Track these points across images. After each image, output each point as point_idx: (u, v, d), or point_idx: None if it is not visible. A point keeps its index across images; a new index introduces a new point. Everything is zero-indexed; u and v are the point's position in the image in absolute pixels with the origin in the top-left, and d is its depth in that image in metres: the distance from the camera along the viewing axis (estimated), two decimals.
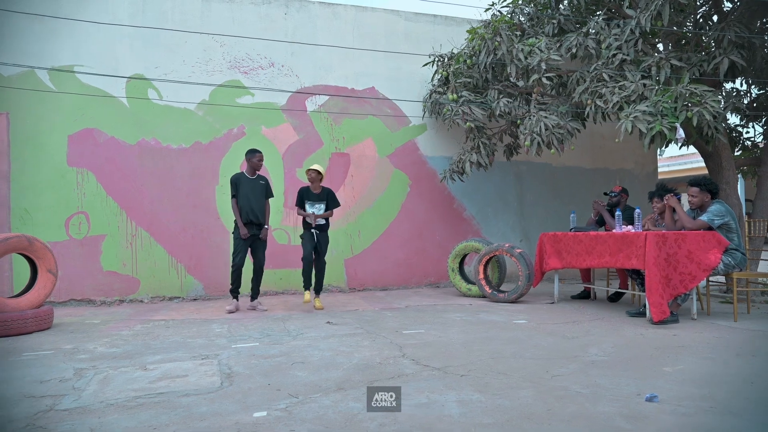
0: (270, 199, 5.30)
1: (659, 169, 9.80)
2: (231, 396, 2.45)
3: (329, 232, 5.28)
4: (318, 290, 5.24)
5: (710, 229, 4.29)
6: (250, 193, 5.06)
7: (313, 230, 5.04)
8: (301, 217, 5.21)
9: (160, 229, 5.98)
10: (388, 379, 2.68)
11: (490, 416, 2.16)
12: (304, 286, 5.05)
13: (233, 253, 5.08)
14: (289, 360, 3.11)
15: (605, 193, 5.91)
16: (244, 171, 5.21)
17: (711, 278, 4.88)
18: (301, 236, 5.11)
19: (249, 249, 5.13)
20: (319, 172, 5.09)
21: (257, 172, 5.20)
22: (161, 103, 6.07)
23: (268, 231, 5.18)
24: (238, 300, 5.18)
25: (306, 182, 5.38)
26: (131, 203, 5.92)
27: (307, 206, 5.09)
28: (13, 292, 5.26)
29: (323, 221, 5.13)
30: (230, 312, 5.01)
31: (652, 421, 2.09)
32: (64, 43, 5.78)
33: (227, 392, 2.51)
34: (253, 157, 5.14)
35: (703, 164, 6.43)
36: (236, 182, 5.10)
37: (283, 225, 6.39)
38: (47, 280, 4.40)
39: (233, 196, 5.09)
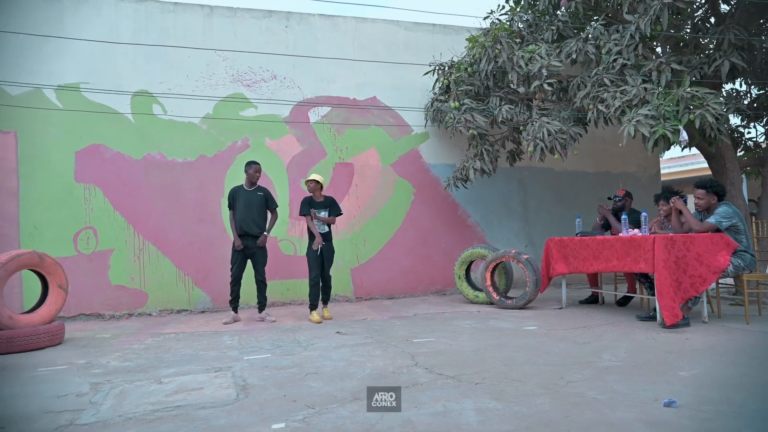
0: (277, 209, 5.32)
1: (662, 171, 9.81)
2: (248, 408, 2.45)
3: (333, 242, 5.29)
4: (326, 301, 5.26)
5: (718, 231, 4.30)
6: (247, 205, 5.08)
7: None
8: (306, 227, 5.21)
9: (167, 243, 6.01)
10: (403, 389, 2.68)
11: (509, 423, 2.17)
12: (311, 306, 5.05)
13: (231, 265, 5.11)
14: (303, 371, 3.12)
15: (609, 198, 5.93)
16: (243, 183, 5.25)
17: (720, 280, 4.88)
18: (307, 252, 5.09)
19: (249, 261, 5.15)
20: (318, 182, 5.11)
21: (257, 184, 5.23)
22: (166, 117, 6.12)
23: (266, 238, 5.14)
24: (236, 312, 5.18)
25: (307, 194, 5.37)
26: (138, 217, 5.95)
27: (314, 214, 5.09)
28: (23, 308, 5.27)
29: (327, 228, 5.14)
30: (226, 323, 5.01)
31: (673, 426, 2.09)
32: (69, 61, 5.85)
33: (244, 404, 2.51)
34: (249, 168, 5.17)
35: (705, 165, 6.46)
36: (233, 195, 5.15)
37: (289, 236, 6.41)
38: (58, 296, 4.42)
39: (230, 208, 5.15)
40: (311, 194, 5.15)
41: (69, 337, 4.50)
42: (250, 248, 5.09)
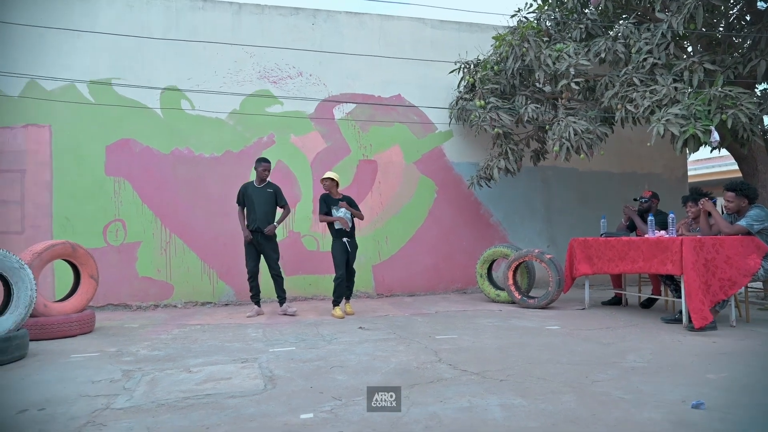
0: (295, 205, 5.37)
1: (688, 173, 9.60)
2: (276, 398, 2.51)
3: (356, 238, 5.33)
4: (348, 296, 5.30)
5: (748, 234, 4.21)
6: (256, 202, 5.16)
7: (344, 239, 5.09)
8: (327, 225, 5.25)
9: (193, 236, 6.13)
10: (428, 384, 2.71)
11: (535, 420, 2.17)
12: (335, 302, 5.09)
13: (246, 261, 5.19)
14: (327, 364, 3.16)
15: (635, 199, 5.83)
16: (253, 180, 5.32)
17: (748, 284, 4.76)
18: (333, 250, 5.12)
19: (262, 256, 5.22)
20: (333, 180, 5.14)
21: (268, 180, 5.29)
22: (194, 113, 6.24)
23: (274, 227, 5.18)
24: (259, 306, 5.27)
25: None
26: (165, 211, 6.08)
27: (333, 211, 5.14)
28: (55, 297, 5.45)
29: (351, 223, 5.17)
30: (249, 317, 5.11)
31: (702, 428, 2.06)
32: (102, 57, 6.01)
33: (272, 394, 2.57)
34: (259, 166, 5.25)
35: (734, 167, 6.31)
36: (243, 191, 5.24)
37: (312, 231, 6.47)
38: (89, 286, 4.56)
39: (238, 203, 5.26)
40: (327, 192, 5.20)
41: (99, 326, 4.63)
42: (260, 244, 5.16)
